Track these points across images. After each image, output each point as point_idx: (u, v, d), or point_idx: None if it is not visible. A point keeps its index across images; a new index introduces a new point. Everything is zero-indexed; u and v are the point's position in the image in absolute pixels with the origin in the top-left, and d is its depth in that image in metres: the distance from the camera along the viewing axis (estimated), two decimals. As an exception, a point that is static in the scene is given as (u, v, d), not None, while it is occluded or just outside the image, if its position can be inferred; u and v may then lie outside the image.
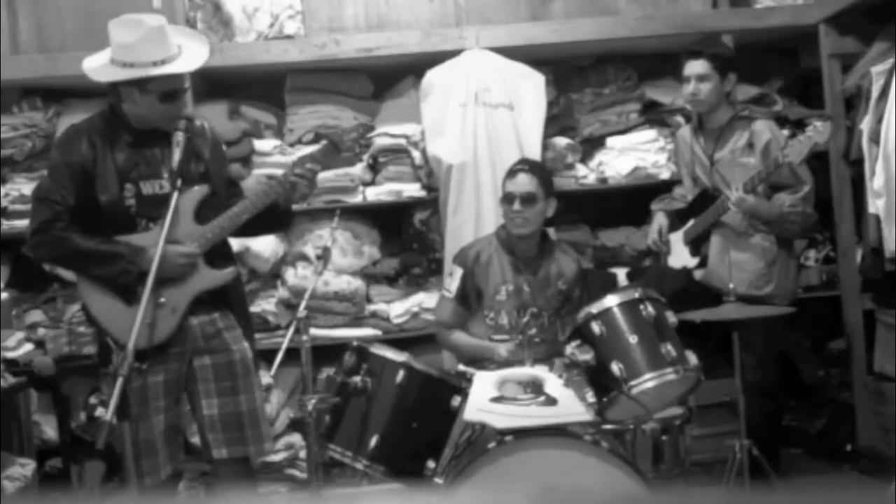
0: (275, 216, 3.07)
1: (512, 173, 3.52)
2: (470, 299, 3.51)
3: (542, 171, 3.60)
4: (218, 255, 2.99)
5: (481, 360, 3.38)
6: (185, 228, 2.90)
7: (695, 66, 3.69)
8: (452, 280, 3.53)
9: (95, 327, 2.94)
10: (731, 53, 3.81)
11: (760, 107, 4.29)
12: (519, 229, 3.46)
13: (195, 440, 3.41)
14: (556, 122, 4.46)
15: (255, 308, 4.11)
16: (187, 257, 2.88)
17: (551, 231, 3.80)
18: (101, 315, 2.89)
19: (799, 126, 4.33)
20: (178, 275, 2.88)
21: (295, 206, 3.19)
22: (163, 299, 2.86)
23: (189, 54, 2.91)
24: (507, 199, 3.47)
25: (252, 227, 3.05)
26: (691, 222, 3.84)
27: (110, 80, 2.87)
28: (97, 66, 2.90)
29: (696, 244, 3.82)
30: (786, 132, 4.06)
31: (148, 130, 2.91)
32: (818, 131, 3.32)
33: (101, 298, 2.88)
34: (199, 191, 2.94)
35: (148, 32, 2.81)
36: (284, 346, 2.85)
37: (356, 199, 4.31)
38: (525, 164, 3.57)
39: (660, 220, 4.01)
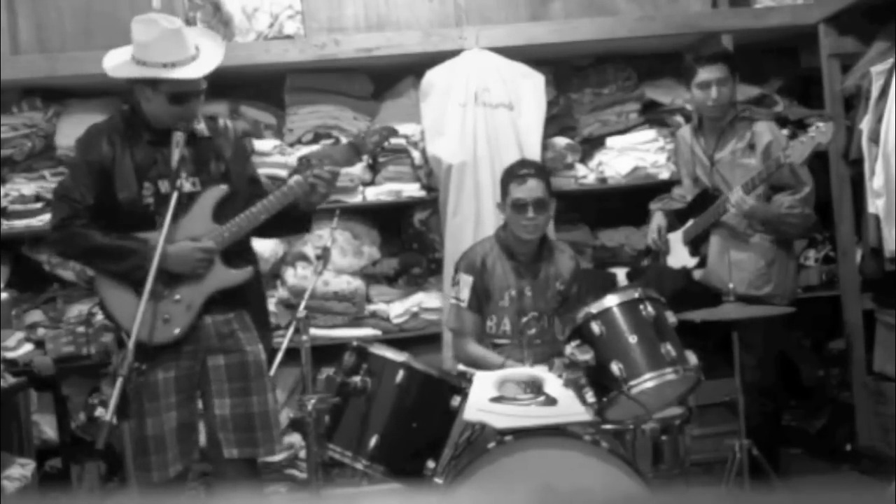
0: (294, 218, 3.07)
1: (519, 178, 3.43)
2: (482, 305, 3.48)
3: (545, 173, 3.55)
4: (237, 254, 3.00)
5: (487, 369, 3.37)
6: (202, 227, 2.93)
7: (714, 71, 3.64)
8: (462, 289, 3.47)
9: (113, 324, 2.96)
10: (732, 53, 3.81)
11: (761, 107, 4.29)
12: (531, 235, 3.43)
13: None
14: (556, 122, 4.46)
15: (255, 308, 4.11)
16: (205, 252, 2.90)
17: (549, 230, 3.80)
18: (118, 311, 2.91)
19: (799, 126, 4.34)
20: (194, 270, 2.91)
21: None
22: (178, 296, 2.89)
23: (203, 58, 2.93)
24: (519, 206, 3.39)
25: (272, 229, 3.07)
26: (691, 222, 3.83)
27: (119, 75, 2.90)
28: (115, 62, 2.93)
29: (696, 244, 3.82)
30: (785, 132, 4.06)
31: (166, 130, 2.92)
32: (821, 132, 3.31)
33: (119, 296, 2.91)
34: (218, 190, 2.96)
35: (162, 34, 2.85)
36: (284, 346, 2.85)
37: (356, 199, 4.31)
38: (531, 168, 3.49)
39: (659, 219, 4.01)
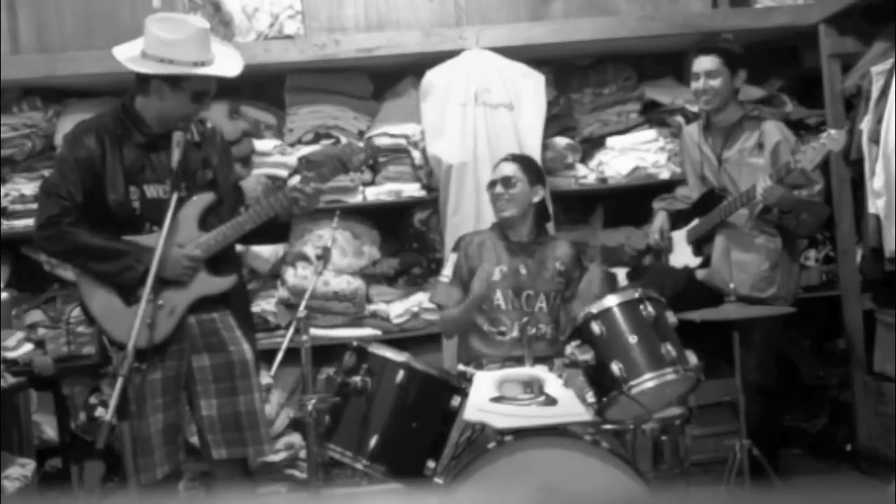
0: (274, 229, 3.08)
1: (496, 166, 3.68)
2: (464, 280, 3.56)
3: (524, 160, 3.70)
4: (223, 261, 3.00)
5: (471, 323, 3.46)
6: (188, 234, 2.92)
7: (704, 62, 3.66)
8: (447, 265, 3.62)
9: (94, 326, 2.95)
10: (741, 50, 3.77)
11: (770, 108, 4.28)
12: (503, 212, 3.57)
13: (193, 440, 3.42)
14: (556, 122, 4.45)
15: (255, 308, 4.10)
16: (191, 261, 2.90)
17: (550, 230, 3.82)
18: (101, 314, 2.90)
19: (799, 127, 4.33)
20: (179, 277, 2.90)
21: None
22: (161, 301, 2.85)
23: (224, 60, 2.94)
24: (491, 185, 3.62)
25: (251, 238, 3.07)
26: (695, 221, 3.83)
27: (149, 72, 2.86)
28: (131, 57, 2.89)
29: (699, 244, 3.81)
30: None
31: (158, 134, 2.90)
32: (833, 139, 3.28)
33: (102, 297, 2.89)
34: (204, 198, 2.96)
35: (195, 33, 2.85)
36: (284, 346, 2.85)
37: (356, 199, 4.31)
38: (508, 155, 3.71)
39: (661, 219, 4.01)
